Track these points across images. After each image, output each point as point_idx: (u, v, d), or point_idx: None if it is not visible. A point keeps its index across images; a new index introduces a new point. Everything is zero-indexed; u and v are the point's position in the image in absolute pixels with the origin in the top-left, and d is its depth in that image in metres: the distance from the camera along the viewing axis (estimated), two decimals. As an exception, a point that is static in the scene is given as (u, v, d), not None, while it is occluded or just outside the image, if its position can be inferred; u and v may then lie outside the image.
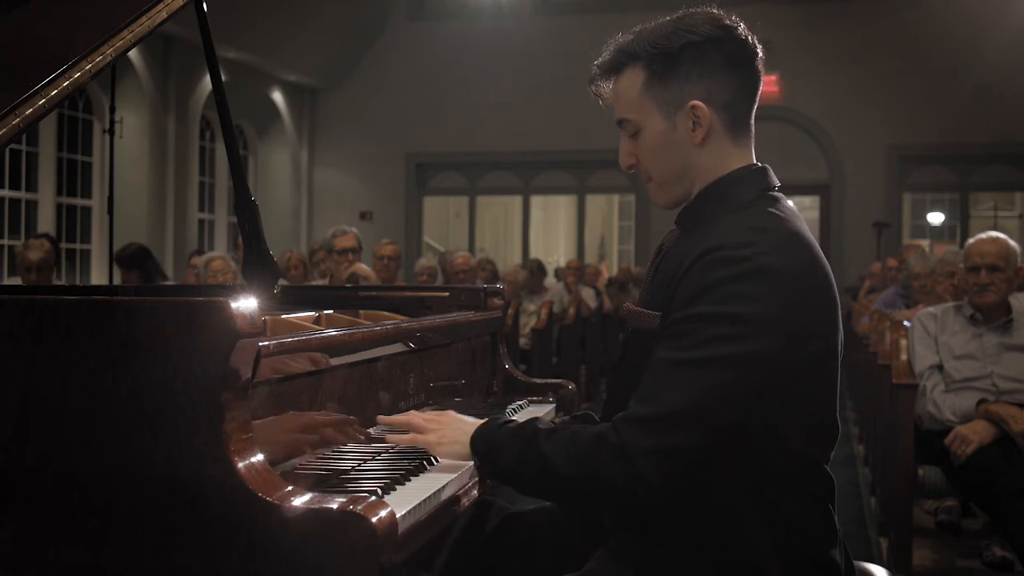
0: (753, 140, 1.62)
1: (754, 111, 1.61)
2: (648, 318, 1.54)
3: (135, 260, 6.19)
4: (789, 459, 1.49)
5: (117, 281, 6.26)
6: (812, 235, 1.53)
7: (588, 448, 1.43)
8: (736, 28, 1.55)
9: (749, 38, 1.56)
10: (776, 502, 1.47)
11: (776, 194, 1.58)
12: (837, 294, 1.52)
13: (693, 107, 1.54)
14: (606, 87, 1.63)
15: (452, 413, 1.71)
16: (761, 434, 1.45)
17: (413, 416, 1.70)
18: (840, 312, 1.52)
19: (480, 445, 1.57)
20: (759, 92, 1.60)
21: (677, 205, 1.64)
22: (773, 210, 1.52)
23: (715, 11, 1.58)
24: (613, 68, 1.61)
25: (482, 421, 1.62)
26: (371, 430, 1.79)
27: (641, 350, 1.54)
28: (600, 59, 1.63)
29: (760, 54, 1.57)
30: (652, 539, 1.52)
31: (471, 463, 1.62)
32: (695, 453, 1.40)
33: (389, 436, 1.70)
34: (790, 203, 1.58)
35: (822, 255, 1.50)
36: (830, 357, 1.50)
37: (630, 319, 1.60)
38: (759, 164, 1.60)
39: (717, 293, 1.41)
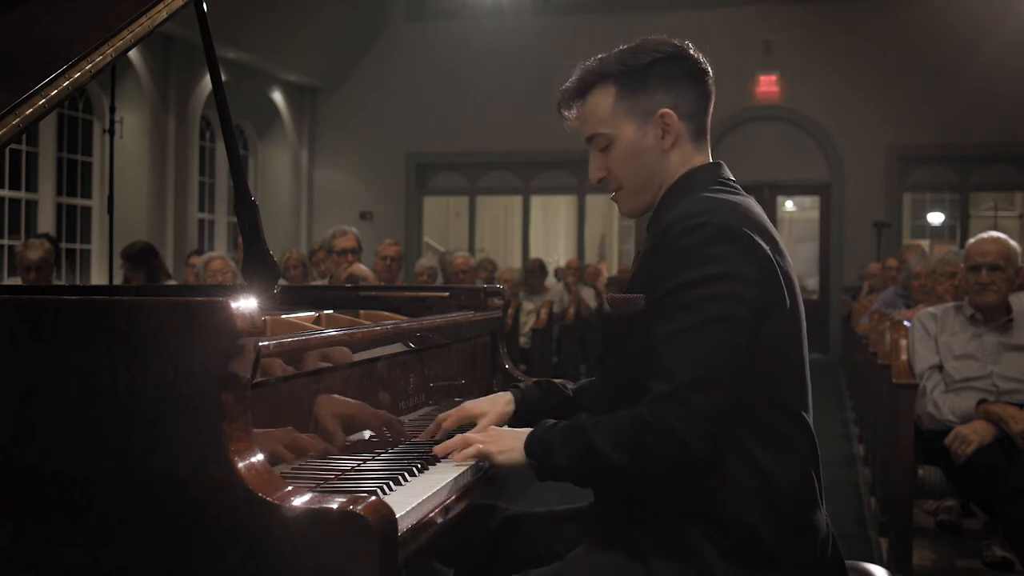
0: (710, 147, 1.77)
1: (709, 123, 1.77)
2: (633, 301, 1.63)
3: (141, 257, 6.19)
4: (768, 409, 1.58)
5: (118, 280, 6.26)
6: (762, 210, 1.67)
7: (632, 433, 1.52)
8: (690, 48, 1.74)
9: (700, 57, 1.74)
10: (758, 458, 1.55)
11: (726, 181, 1.70)
12: (788, 255, 1.63)
13: (663, 115, 1.69)
14: (571, 113, 1.78)
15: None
16: (743, 386, 1.53)
17: (468, 434, 1.76)
18: (794, 273, 1.64)
19: (534, 449, 1.63)
20: (712, 107, 1.76)
21: (644, 212, 1.77)
22: (719, 187, 1.66)
23: (667, 37, 1.75)
24: (581, 91, 1.75)
25: (529, 430, 1.69)
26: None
27: (628, 336, 1.64)
28: (567, 84, 1.77)
29: (711, 74, 1.74)
30: (637, 509, 1.60)
31: (468, 465, 1.69)
32: (722, 408, 1.51)
33: (455, 455, 1.73)
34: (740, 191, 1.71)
35: (771, 225, 1.64)
36: (794, 310, 1.60)
37: (616, 307, 1.68)
38: (713, 160, 1.74)
39: (690, 260, 1.54)
